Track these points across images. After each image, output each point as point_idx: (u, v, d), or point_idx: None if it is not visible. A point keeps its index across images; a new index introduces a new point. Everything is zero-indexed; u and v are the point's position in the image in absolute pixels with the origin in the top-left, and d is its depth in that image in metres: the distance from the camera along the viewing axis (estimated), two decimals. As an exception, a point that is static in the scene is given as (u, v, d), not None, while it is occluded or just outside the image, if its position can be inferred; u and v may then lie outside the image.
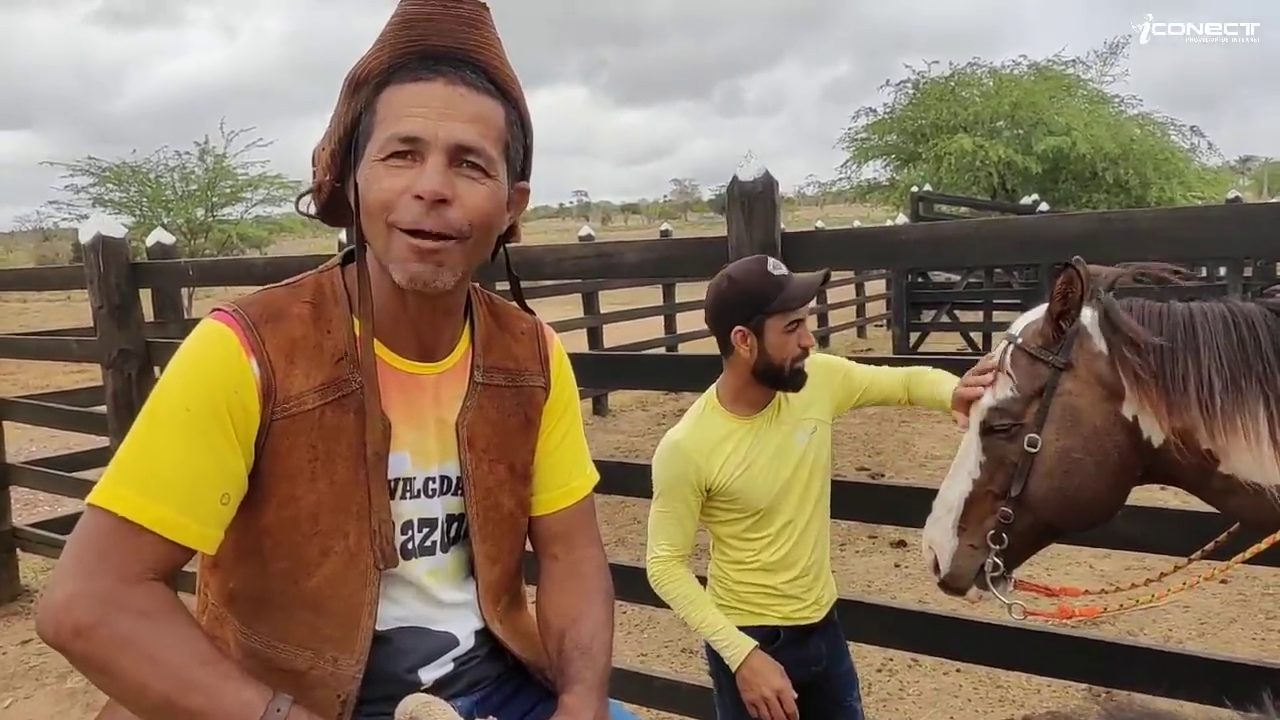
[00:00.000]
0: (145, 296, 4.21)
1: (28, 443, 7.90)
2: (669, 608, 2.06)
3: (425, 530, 1.25)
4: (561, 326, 7.21)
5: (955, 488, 1.65)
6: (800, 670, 1.99)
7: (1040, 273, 9.81)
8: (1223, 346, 1.39)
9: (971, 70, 21.45)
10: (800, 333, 1.90)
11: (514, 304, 1.40)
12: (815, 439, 2.03)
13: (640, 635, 4.20)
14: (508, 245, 1.32)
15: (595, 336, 9.56)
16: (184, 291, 6.26)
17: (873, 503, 2.59)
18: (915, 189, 13.71)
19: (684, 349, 10.38)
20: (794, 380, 1.93)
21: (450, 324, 1.26)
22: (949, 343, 12.25)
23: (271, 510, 1.15)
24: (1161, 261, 1.65)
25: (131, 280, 4.05)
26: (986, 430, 1.60)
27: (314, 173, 1.22)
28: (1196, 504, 1.61)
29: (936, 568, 1.69)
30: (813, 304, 2.11)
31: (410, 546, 1.24)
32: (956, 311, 11.96)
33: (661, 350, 10.08)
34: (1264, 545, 1.50)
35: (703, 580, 2.10)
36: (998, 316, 10.85)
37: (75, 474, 5.08)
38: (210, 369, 1.10)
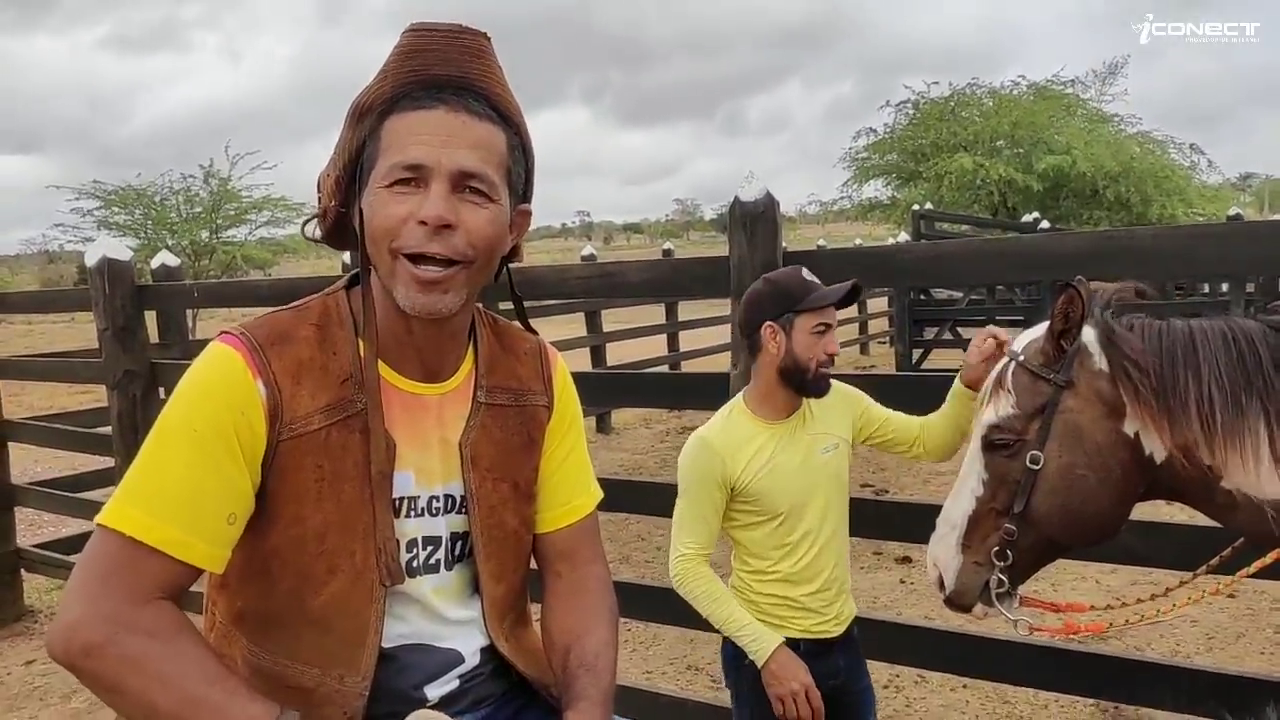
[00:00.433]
0: (150, 319, 4.22)
1: (32, 463, 7.90)
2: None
3: (429, 548, 1.26)
4: (565, 345, 7.22)
5: (959, 505, 1.66)
6: (819, 684, 2.00)
7: (1042, 290, 9.82)
8: (1223, 363, 1.40)
9: (971, 90, 21.57)
10: (828, 339, 1.96)
11: (517, 324, 1.41)
12: (837, 454, 2.08)
13: (645, 652, 4.18)
14: (510, 266, 1.34)
15: (598, 355, 9.59)
16: (188, 313, 6.29)
17: (878, 519, 2.59)
18: (916, 207, 13.73)
19: (686, 367, 10.40)
20: (817, 385, 1.98)
21: (454, 345, 1.27)
22: (951, 359, 12.24)
23: (279, 530, 1.16)
24: (1164, 279, 1.66)
25: (137, 302, 4.07)
26: (989, 447, 1.60)
27: (319, 198, 1.25)
28: (1202, 519, 1.61)
29: (942, 585, 1.69)
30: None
31: (415, 564, 1.25)
32: (959, 328, 11.96)
33: (664, 368, 10.10)
34: (1270, 559, 1.50)
35: None
36: (1000, 333, 10.83)
37: (80, 495, 5.09)
38: (217, 391, 1.12)
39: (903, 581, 4.88)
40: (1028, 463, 1.53)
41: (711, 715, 2.91)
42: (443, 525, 1.27)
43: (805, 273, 2.01)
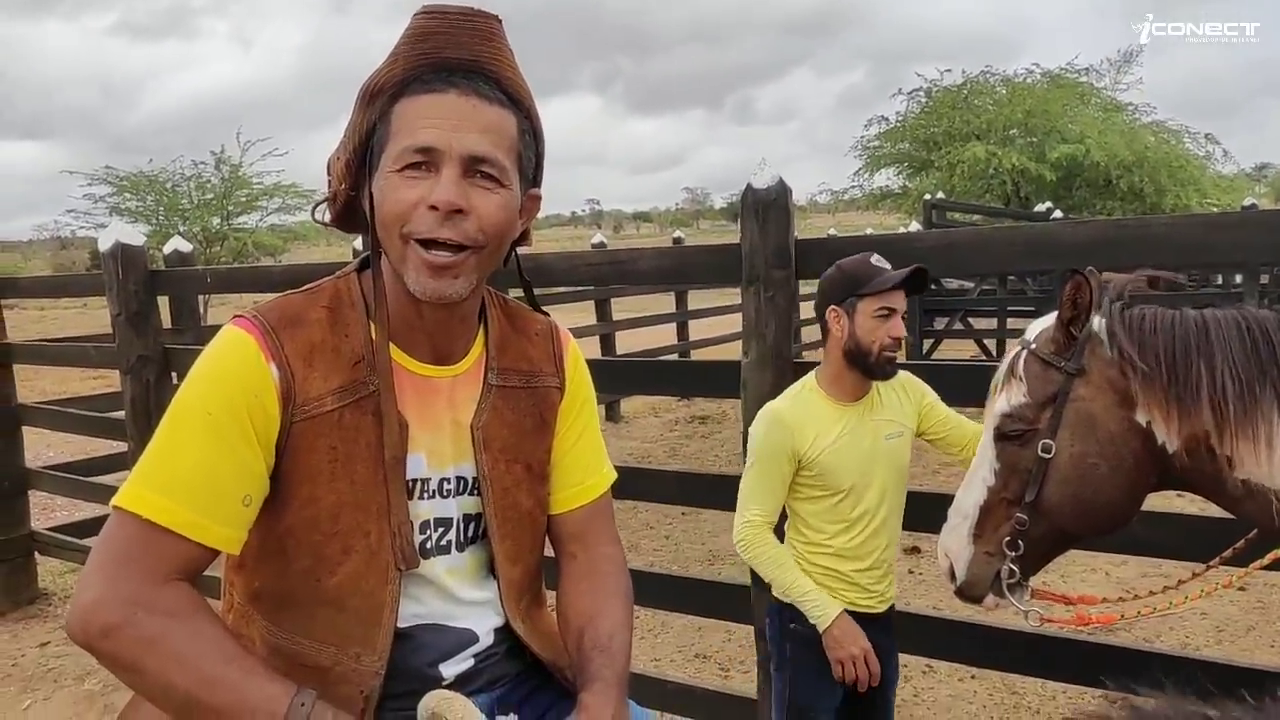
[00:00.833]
0: (163, 304, 4.24)
1: (45, 448, 7.96)
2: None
3: (441, 529, 1.27)
4: (574, 333, 7.19)
5: (970, 495, 1.66)
6: None
7: (1055, 280, 9.76)
8: (1236, 352, 1.39)
9: (984, 78, 21.35)
10: (892, 323, 2.00)
11: (528, 306, 1.41)
12: (901, 442, 2.14)
13: (654, 640, 4.20)
14: (519, 250, 1.34)
15: (608, 343, 9.58)
16: (201, 299, 6.31)
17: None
18: (928, 196, 13.65)
19: (696, 356, 10.38)
20: (882, 368, 2.03)
21: (464, 328, 1.27)
22: (963, 350, 12.20)
23: (293, 510, 1.16)
24: (1177, 268, 1.65)
25: (150, 287, 4.09)
26: (1000, 436, 1.60)
27: (329, 182, 1.25)
28: (1214, 510, 1.61)
29: (952, 575, 1.70)
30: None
31: (428, 546, 1.26)
32: (970, 319, 11.90)
33: (674, 357, 10.09)
34: (1281, 551, 1.50)
35: None
36: (1012, 324, 10.78)
37: (93, 479, 5.14)
38: (230, 374, 1.13)
39: (911, 572, 4.88)
40: (1039, 451, 1.53)
41: (719, 702, 2.92)
42: (454, 507, 1.27)
43: (874, 258, 2.05)
